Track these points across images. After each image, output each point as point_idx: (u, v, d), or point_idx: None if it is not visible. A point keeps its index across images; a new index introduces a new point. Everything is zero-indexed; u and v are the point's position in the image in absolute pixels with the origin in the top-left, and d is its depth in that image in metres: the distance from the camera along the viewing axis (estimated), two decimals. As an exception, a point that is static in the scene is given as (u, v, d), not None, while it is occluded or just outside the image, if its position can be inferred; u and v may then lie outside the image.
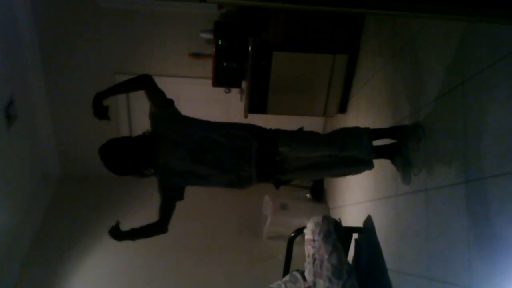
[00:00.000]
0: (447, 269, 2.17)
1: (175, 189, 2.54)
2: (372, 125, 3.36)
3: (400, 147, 2.69)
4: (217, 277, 4.32)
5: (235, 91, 4.49)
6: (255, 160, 2.50)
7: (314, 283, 3.06)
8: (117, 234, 2.46)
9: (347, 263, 2.96)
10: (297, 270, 3.35)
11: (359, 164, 2.66)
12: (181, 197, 2.55)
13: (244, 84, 4.15)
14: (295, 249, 3.51)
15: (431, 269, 2.33)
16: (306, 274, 3.22)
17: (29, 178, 4.54)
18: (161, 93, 2.49)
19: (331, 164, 2.64)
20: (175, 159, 2.49)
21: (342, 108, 4.09)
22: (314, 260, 3.08)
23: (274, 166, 2.55)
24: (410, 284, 2.57)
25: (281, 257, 3.59)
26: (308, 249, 3.18)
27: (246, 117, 4.13)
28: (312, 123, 4.87)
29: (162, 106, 2.50)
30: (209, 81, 4.21)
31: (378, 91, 3.32)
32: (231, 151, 2.49)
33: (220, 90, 4.49)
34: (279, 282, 3.38)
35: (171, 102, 2.53)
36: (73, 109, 4.66)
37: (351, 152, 2.58)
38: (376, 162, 2.71)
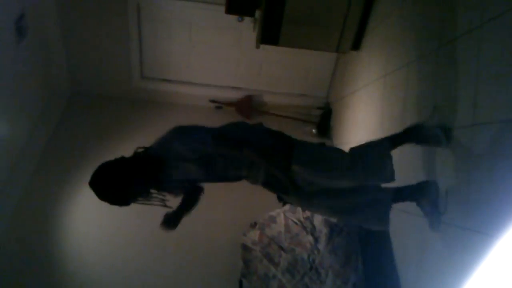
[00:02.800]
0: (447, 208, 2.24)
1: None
2: (385, 64, 3.33)
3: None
4: (220, 204, 4.46)
5: (248, 20, 4.40)
6: (264, 175, 2.23)
7: (312, 214, 3.17)
8: (173, 221, 2.30)
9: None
10: (297, 201, 3.45)
11: (370, 215, 2.31)
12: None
13: (257, 13, 4.06)
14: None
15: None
16: (305, 205, 3.33)
17: (39, 94, 4.58)
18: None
19: (340, 206, 2.31)
20: (182, 174, 2.23)
21: (356, 45, 4.02)
22: (314, 192, 3.17)
23: (281, 180, 2.22)
24: (404, 220, 2.64)
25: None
26: (309, 182, 3.26)
27: (258, 47, 4.08)
28: (324, 59, 4.83)
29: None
30: (222, 8, 4.11)
31: (395, 30, 3.25)
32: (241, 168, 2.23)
33: (233, 18, 4.40)
34: (278, 210, 3.51)
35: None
36: (84, 26, 4.61)
37: (371, 181, 2.28)
38: (382, 100, 2.68)
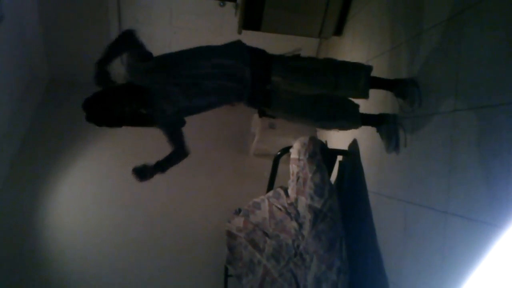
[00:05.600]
0: (425, 194, 2.27)
1: (176, 123, 2.54)
2: (367, 50, 3.34)
3: (388, 117, 2.69)
4: (205, 191, 4.46)
5: (229, 5, 4.36)
6: (250, 85, 2.41)
7: (296, 200, 3.18)
8: (143, 173, 2.44)
9: (330, 183, 3.07)
10: (281, 187, 3.47)
11: (345, 120, 2.61)
12: (183, 124, 2.56)
13: (239, -2, 4.02)
14: (280, 167, 3.61)
15: (410, 193, 2.43)
16: (289, 191, 3.34)
17: (17, 81, 4.47)
18: (142, 47, 2.41)
19: (318, 115, 2.55)
20: (169, 103, 2.41)
21: (338, 30, 4.02)
22: (298, 178, 3.19)
23: (263, 95, 2.47)
24: (388, 206, 2.69)
25: (266, 173, 3.69)
26: (293, 168, 3.27)
27: (239, 33, 4.04)
28: (307, 45, 4.81)
29: (143, 60, 2.40)
30: (204, -7, 4.06)
31: (376, 15, 3.25)
32: (227, 76, 2.38)
33: (215, 3, 4.36)
34: (263, 197, 3.52)
35: (150, 54, 2.45)
36: (62, 12, 4.49)
37: (344, 90, 2.49)
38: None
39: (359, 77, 2.47)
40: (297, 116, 2.59)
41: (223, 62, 2.38)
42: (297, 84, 2.45)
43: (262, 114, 2.66)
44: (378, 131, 2.75)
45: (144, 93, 2.37)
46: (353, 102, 2.64)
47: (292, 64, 2.47)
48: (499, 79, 1.79)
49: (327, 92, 2.50)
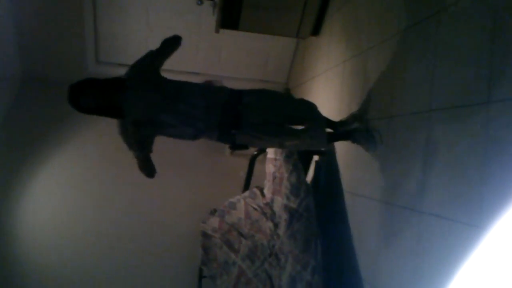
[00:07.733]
0: (400, 193, 2.28)
1: (145, 142, 2.57)
2: (344, 50, 3.34)
3: (357, 130, 2.77)
4: (179, 190, 4.41)
5: (207, 3, 4.32)
6: (222, 108, 2.49)
7: (272, 200, 3.17)
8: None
9: (306, 182, 3.06)
10: (257, 187, 3.44)
11: (312, 135, 2.62)
12: (150, 150, 2.62)
13: (217, -3, 3.99)
14: (256, 167, 3.59)
15: (385, 193, 2.44)
16: (265, 191, 3.32)
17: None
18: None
19: (285, 132, 2.61)
20: (145, 103, 2.47)
21: (316, 30, 4.02)
22: (274, 178, 3.17)
23: (234, 117, 2.49)
24: (363, 205, 2.69)
25: (243, 173, 3.67)
26: (269, 168, 3.25)
27: (217, 32, 4.01)
28: (284, 44, 4.81)
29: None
30: (181, -10, 4.02)
31: (354, 16, 3.26)
32: (203, 97, 2.50)
33: (192, 1, 4.31)
34: (238, 197, 3.49)
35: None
36: (35, 9, 4.38)
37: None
38: (341, 85, 2.71)
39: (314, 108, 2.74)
40: (265, 135, 2.56)
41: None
42: (268, 100, 2.61)
43: (233, 147, 2.65)
44: (353, 142, 2.76)
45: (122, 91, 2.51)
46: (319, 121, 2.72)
47: (261, 89, 2.69)
48: (474, 79, 1.80)
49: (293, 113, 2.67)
